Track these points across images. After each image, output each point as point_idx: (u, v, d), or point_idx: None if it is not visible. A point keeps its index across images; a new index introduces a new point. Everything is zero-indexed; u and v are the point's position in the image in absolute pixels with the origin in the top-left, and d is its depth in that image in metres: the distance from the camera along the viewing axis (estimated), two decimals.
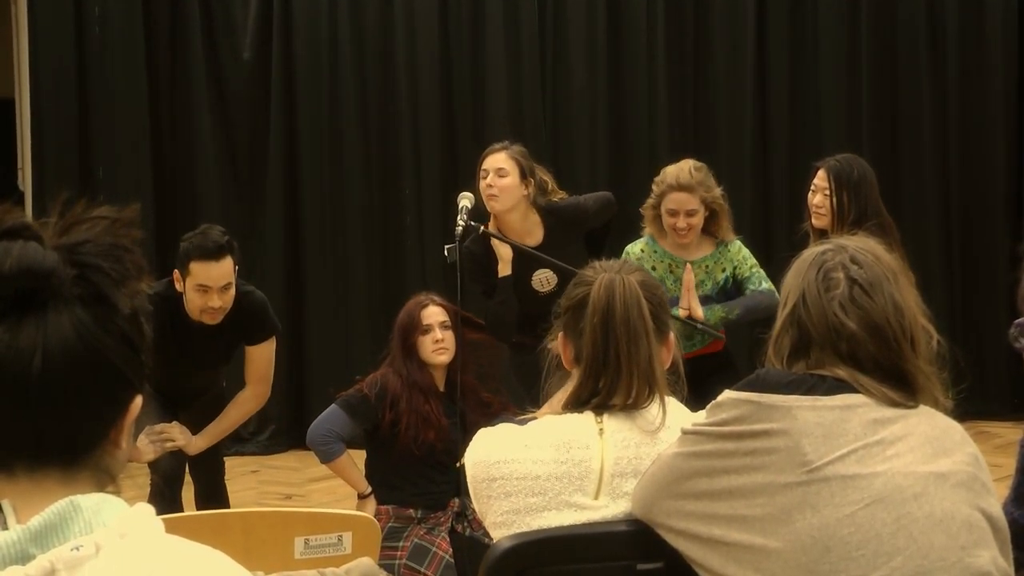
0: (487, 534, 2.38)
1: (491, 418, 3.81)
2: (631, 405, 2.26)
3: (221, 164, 7.58)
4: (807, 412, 1.97)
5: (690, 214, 4.81)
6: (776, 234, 7.37)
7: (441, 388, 4.41)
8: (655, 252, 4.95)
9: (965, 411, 2.25)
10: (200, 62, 7.50)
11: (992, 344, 7.54)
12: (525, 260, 4.74)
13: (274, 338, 4.74)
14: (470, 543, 4.30)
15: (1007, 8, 7.54)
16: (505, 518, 2.22)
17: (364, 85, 7.60)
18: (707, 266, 4.92)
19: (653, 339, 2.28)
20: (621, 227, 5.15)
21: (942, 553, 1.89)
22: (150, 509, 1.22)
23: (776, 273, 2.49)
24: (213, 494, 4.89)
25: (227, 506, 4.85)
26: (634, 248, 4.99)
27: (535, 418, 2.33)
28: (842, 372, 2.02)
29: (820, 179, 4.74)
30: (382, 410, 4.30)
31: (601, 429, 2.24)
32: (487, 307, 4.76)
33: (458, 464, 3.92)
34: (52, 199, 1.26)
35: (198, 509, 4.72)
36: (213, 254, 4.32)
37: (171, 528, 1.22)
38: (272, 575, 2.38)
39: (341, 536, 2.81)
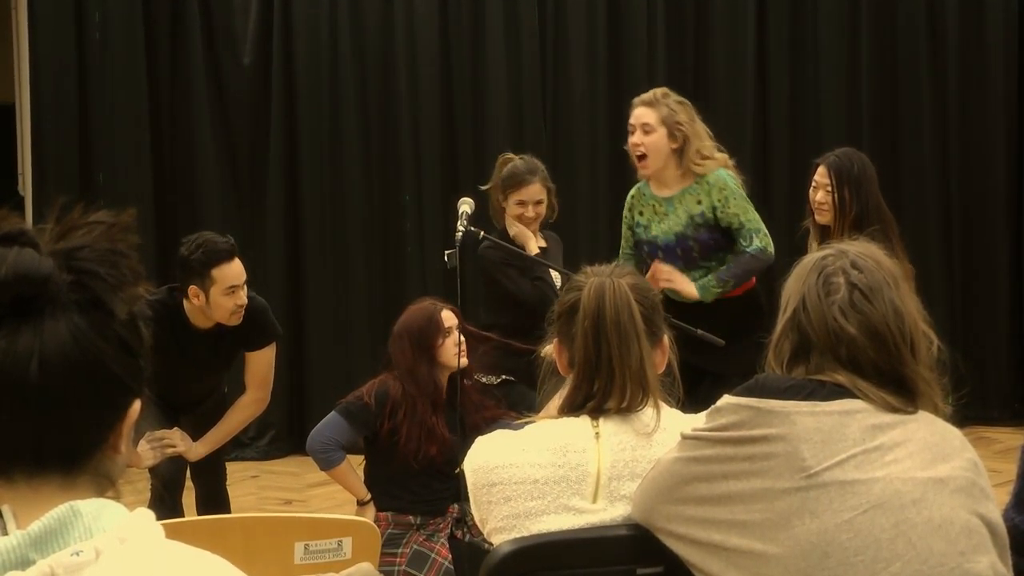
0: (487, 540, 2.38)
1: (490, 423, 3.81)
2: (626, 408, 2.27)
3: (221, 168, 7.57)
4: (806, 417, 1.97)
5: (647, 130, 4.66)
6: (776, 234, 7.33)
7: (444, 396, 4.40)
8: (643, 196, 4.82)
9: (965, 416, 2.25)
10: (200, 66, 7.49)
11: (992, 349, 7.54)
12: (529, 264, 4.76)
13: (274, 343, 4.75)
14: (470, 549, 4.28)
15: (1007, 9, 7.54)
16: (505, 523, 2.23)
17: (364, 88, 7.60)
18: (679, 200, 4.71)
19: (645, 342, 2.29)
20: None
21: (941, 559, 1.89)
22: (150, 514, 1.22)
23: (776, 278, 2.49)
24: (215, 499, 4.88)
25: (228, 511, 4.84)
26: (629, 195, 4.93)
27: (533, 423, 2.34)
28: (842, 377, 2.02)
29: (821, 175, 4.70)
30: (382, 418, 4.29)
31: (597, 433, 2.25)
32: (522, 289, 4.81)
33: (457, 471, 3.91)
34: (52, 204, 1.26)
35: (199, 514, 4.71)
36: (230, 254, 4.43)
37: (171, 533, 1.22)
38: None
39: (341, 541, 2.81)
